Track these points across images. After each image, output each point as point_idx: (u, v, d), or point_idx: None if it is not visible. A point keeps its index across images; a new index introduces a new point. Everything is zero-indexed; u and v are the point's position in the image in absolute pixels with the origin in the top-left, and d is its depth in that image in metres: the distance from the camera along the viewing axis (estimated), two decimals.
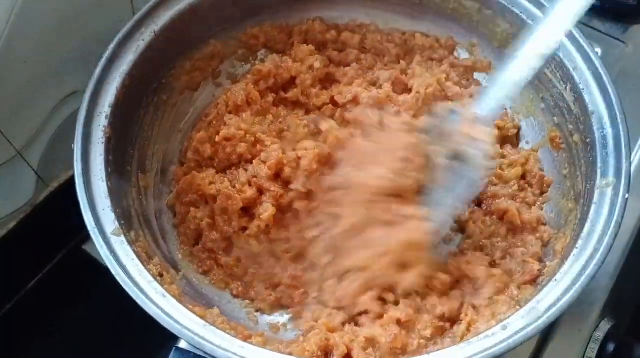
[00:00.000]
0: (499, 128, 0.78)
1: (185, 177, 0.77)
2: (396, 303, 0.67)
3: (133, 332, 0.77)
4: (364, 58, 0.85)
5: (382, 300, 0.67)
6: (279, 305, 0.71)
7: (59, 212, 0.81)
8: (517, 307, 0.59)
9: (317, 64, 0.81)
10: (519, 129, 0.80)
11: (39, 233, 0.89)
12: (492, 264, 0.70)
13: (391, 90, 0.80)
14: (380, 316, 0.65)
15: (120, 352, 0.88)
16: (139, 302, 0.56)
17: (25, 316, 0.91)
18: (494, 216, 0.74)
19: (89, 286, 0.91)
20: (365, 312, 0.66)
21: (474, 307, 0.65)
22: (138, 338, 0.80)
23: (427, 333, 0.63)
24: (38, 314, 0.93)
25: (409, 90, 0.81)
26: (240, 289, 0.72)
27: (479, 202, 0.76)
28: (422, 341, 0.63)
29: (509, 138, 0.80)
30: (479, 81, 0.83)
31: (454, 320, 0.66)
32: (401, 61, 0.84)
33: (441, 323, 0.65)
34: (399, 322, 0.64)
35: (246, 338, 0.63)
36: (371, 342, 0.63)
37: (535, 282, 0.66)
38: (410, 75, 0.82)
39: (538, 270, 0.66)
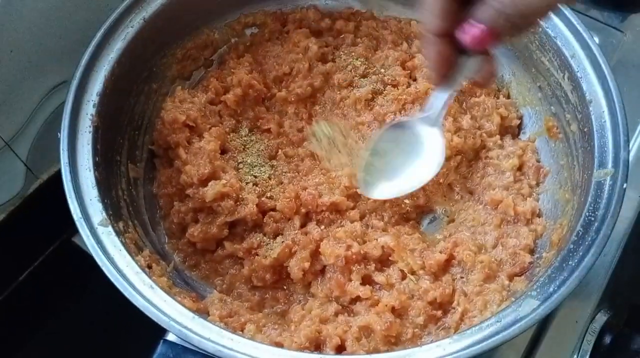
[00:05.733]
0: (501, 117, 0.77)
1: (164, 170, 0.75)
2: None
3: (125, 325, 0.76)
4: (360, 42, 0.83)
5: (370, 284, 0.66)
6: (263, 306, 0.69)
7: (49, 204, 0.80)
8: (512, 298, 0.58)
9: (313, 47, 0.80)
10: (522, 119, 0.79)
11: (29, 226, 0.87)
12: (483, 252, 0.69)
13: (400, 69, 0.79)
14: (375, 303, 0.64)
15: (112, 345, 0.87)
16: (125, 293, 0.55)
17: (16, 309, 0.90)
18: (488, 206, 0.72)
19: (81, 279, 0.90)
20: (358, 299, 0.65)
21: (465, 295, 0.64)
22: (130, 330, 0.79)
23: (420, 320, 0.63)
24: (29, 307, 0.91)
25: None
26: (224, 287, 0.70)
27: (471, 192, 0.75)
28: (416, 330, 0.63)
29: (510, 128, 0.79)
30: None
31: (445, 307, 0.65)
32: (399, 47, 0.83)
33: (434, 312, 0.64)
34: (393, 310, 0.63)
35: (243, 326, 0.62)
36: (365, 331, 0.62)
37: (524, 274, 0.65)
38: (412, 67, 0.81)
39: (529, 262, 0.66)
